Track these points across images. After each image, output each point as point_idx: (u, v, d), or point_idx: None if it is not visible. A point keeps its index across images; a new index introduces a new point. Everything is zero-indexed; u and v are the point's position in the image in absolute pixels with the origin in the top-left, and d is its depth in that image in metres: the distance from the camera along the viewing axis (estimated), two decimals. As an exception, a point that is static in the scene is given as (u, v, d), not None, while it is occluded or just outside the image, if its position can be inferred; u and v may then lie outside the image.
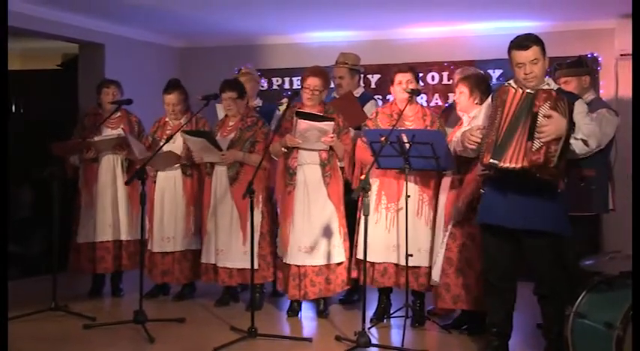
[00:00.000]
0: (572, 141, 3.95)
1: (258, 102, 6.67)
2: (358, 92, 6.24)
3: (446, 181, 5.08)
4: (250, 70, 6.72)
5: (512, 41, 4.14)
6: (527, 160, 3.90)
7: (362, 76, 6.56)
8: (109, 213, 6.31)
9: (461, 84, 5.07)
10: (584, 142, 4.00)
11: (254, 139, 5.77)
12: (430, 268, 5.18)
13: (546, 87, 4.13)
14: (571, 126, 3.93)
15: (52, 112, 8.02)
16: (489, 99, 4.35)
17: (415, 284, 5.25)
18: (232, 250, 5.74)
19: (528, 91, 4.00)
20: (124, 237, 6.33)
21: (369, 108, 6.01)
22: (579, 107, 4.08)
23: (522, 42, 4.10)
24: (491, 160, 3.99)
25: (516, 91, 4.01)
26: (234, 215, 5.76)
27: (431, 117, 5.35)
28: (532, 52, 4.08)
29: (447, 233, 4.99)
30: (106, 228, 6.30)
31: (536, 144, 3.89)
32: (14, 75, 7.67)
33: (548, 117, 3.86)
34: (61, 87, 8.18)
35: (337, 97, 6.17)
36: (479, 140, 4.13)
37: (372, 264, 5.29)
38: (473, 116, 4.95)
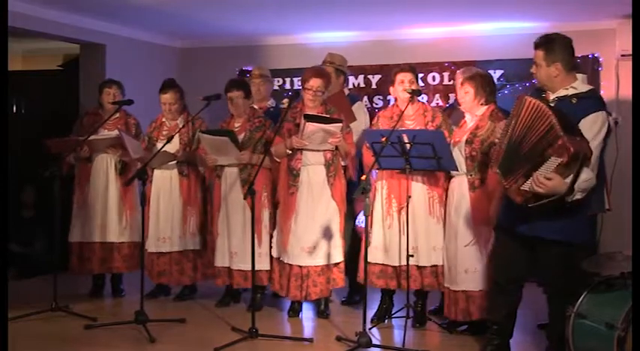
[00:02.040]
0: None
1: (271, 102, 6.67)
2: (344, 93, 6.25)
3: (458, 182, 5.01)
4: (264, 70, 6.72)
5: None
6: (510, 192, 3.90)
7: (358, 76, 6.55)
8: (99, 214, 6.29)
9: (467, 83, 5.02)
10: (573, 196, 3.85)
11: (265, 140, 5.76)
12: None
13: (571, 90, 4.03)
14: (570, 191, 3.79)
15: (53, 112, 8.02)
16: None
17: (435, 284, 5.21)
18: (247, 253, 5.68)
19: (554, 124, 3.72)
20: (113, 239, 6.29)
21: (356, 109, 6.01)
22: (591, 127, 3.87)
23: (535, 40, 4.09)
24: (497, 171, 3.99)
25: (530, 102, 3.89)
26: (247, 217, 5.70)
27: (432, 112, 5.34)
28: (535, 54, 4.08)
29: (484, 237, 4.87)
30: (95, 229, 6.28)
31: (526, 186, 3.84)
32: (15, 75, 7.70)
33: (550, 179, 3.74)
34: (62, 87, 8.18)
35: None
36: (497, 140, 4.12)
37: (395, 268, 5.27)
38: (481, 114, 4.94)
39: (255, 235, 5.61)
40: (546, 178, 3.73)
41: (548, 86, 4.10)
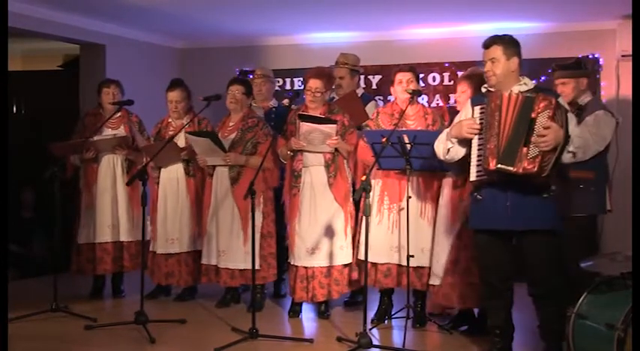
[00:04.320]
0: (564, 152, 3.98)
1: (274, 103, 6.68)
2: (358, 93, 6.25)
3: (447, 182, 5.07)
4: (266, 70, 6.73)
5: None
6: (521, 167, 3.92)
7: (361, 77, 6.57)
8: (109, 214, 6.30)
9: (463, 83, 5.04)
10: (574, 154, 4.05)
11: (255, 141, 5.77)
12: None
13: (524, 86, 4.17)
14: (567, 136, 3.95)
15: (53, 112, 8.03)
16: (468, 104, 4.35)
17: (419, 284, 5.24)
18: (234, 251, 5.73)
19: (527, 95, 4.01)
20: (124, 238, 6.32)
21: (369, 109, 6.01)
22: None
23: (486, 40, 4.21)
24: (499, 166, 3.98)
25: (510, 95, 4.03)
26: (235, 216, 5.76)
27: (432, 116, 5.35)
28: (491, 51, 4.16)
29: (455, 232, 4.97)
30: (105, 229, 6.29)
31: (532, 151, 3.92)
32: (15, 76, 7.71)
33: (547, 128, 3.89)
34: (62, 88, 8.19)
35: (337, 97, 6.16)
36: (476, 131, 4.13)
37: (375, 265, 5.29)
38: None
39: (242, 234, 5.65)
40: (544, 128, 3.89)
41: (502, 83, 4.17)
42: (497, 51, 4.15)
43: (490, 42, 4.19)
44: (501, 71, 4.15)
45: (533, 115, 3.93)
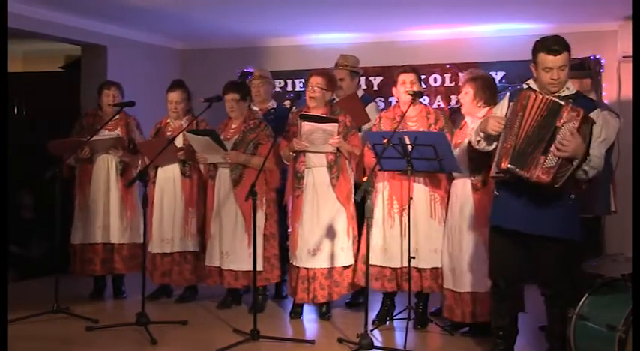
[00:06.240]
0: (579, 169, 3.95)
1: (272, 104, 6.67)
2: (358, 94, 6.25)
3: (461, 184, 5.00)
4: (264, 72, 6.73)
5: (540, 43, 4.06)
6: (535, 175, 3.89)
7: (362, 78, 6.55)
8: (100, 215, 6.29)
9: (467, 84, 5.02)
10: (585, 172, 3.99)
11: (257, 142, 5.76)
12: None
13: (566, 91, 4.09)
14: (587, 153, 3.90)
15: (54, 113, 8.03)
16: (505, 99, 4.28)
17: (436, 286, 5.22)
18: (237, 253, 5.72)
19: (556, 100, 3.92)
20: (114, 240, 6.30)
21: (369, 110, 6.01)
22: (595, 126, 4.00)
23: (553, 46, 4.01)
24: (509, 166, 3.95)
25: (537, 96, 3.95)
26: (238, 218, 5.75)
27: (435, 115, 5.34)
28: (562, 58, 4.01)
29: (482, 238, 4.83)
30: (96, 230, 6.28)
31: (550, 161, 3.87)
32: (16, 77, 7.72)
33: (571, 135, 3.83)
34: (64, 89, 8.19)
35: (337, 98, 6.15)
36: (500, 130, 4.09)
37: (395, 269, 5.27)
38: (482, 116, 4.91)
39: (246, 236, 5.65)
40: (567, 136, 3.83)
41: (557, 88, 4.09)
42: (566, 57, 4.02)
43: (561, 48, 4.00)
44: (567, 77, 4.07)
45: (558, 124, 3.86)
